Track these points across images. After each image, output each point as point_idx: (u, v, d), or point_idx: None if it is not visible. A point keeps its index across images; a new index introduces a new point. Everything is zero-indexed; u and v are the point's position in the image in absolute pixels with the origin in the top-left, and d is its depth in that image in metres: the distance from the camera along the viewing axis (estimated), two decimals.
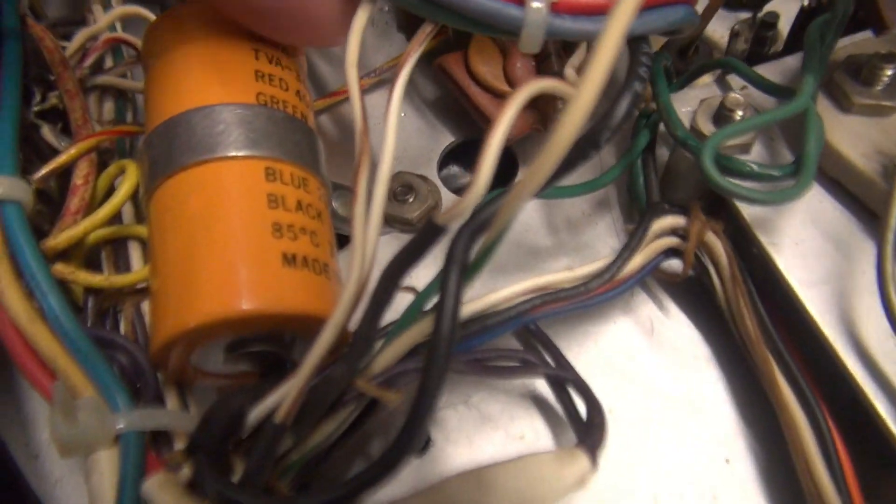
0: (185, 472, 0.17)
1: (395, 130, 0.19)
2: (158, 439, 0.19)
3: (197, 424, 0.16)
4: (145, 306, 0.22)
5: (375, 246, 0.18)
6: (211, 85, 0.21)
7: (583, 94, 0.13)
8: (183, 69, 0.21)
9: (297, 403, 0.16)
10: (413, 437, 0.15)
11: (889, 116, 0.20)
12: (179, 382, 0.20)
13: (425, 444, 0.22)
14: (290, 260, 0.19)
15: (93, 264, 0.22)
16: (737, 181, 0.19)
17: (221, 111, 0.20)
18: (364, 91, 0.30)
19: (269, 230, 0.19)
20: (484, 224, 0.17)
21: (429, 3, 0.18)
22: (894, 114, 0.20)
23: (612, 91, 0.18)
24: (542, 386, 0.22)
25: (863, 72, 0.20)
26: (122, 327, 0.21)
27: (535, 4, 0.18)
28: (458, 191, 0.28)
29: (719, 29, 0.30)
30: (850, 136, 0.20)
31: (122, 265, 0.23)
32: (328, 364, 0.17)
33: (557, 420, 0.22)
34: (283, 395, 0.17)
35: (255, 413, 0.17)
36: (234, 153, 0.20)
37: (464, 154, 0.30)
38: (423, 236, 0.17)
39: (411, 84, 0.30)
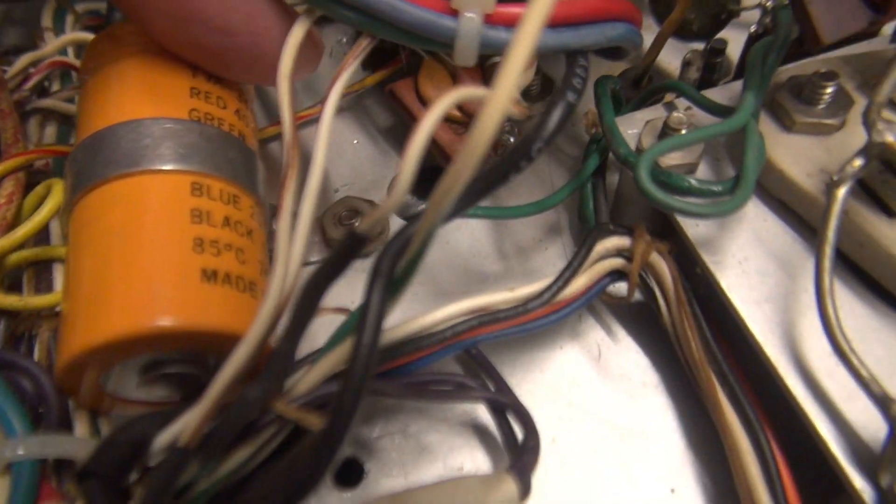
0: None
1: (327, 142, 0.18)
2: (62, 470, 0.17)
3: (93, 449, 0.15)
4: None
5: (300, 261, 0.18)
6: (142, 99, 0.20)
7: (495, 95, 0.13)
8: (116, 84, 0.21)
9: (204, 426, 0.15)
10: (321, 461, 0.14)
11: (831, 135, 0.20)
12: (93, 410, 0.19)
13: (358, 476, 0.20)
14: (209, 276, 0.18)
15: (15, 288, 0.21)
16: (676, 196, 0.18)
17: (150, 125, 0.20)
18: (315, 118, 0.30)
19: (190, 245, 0.18)
20: (409, 240, 0.16)
21: (364, 15, 0.18)
22: (836, 132, 0.20)
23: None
24: (483, 416, 0.21)
25: (804, 91, 0.20)
26: (37, 353, 0.20)
27: (469, 15, 0.17)
28: (409, 219, 0.27)
29: (673, 60, 0.30)
30: (793, 154, 0.20)
31: (44, 288, 0.22)
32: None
33: (498, 451, 0.20)
34: (189, 421, 0.16)
35: (162, 439, 0.16)
36: (159, 166, 0.19)
37: (416, 182, 0.30)
38: (345, 247, 0.16)
39: (365, 111, 0.30)
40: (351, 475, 0.20)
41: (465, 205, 0.17)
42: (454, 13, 0.18)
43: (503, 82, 0.13)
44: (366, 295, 0.16)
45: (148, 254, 0.17)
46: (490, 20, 0.18)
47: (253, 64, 0.20)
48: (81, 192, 0.19)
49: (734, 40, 0.28)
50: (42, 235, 0.23)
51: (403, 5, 0.17)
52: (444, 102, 0.16)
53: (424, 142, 0.15)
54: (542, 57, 0.25)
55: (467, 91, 0.17)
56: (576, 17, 0.18)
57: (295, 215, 0.18)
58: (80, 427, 0.18)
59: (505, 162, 0.17)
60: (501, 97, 0.13)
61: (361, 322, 0.15)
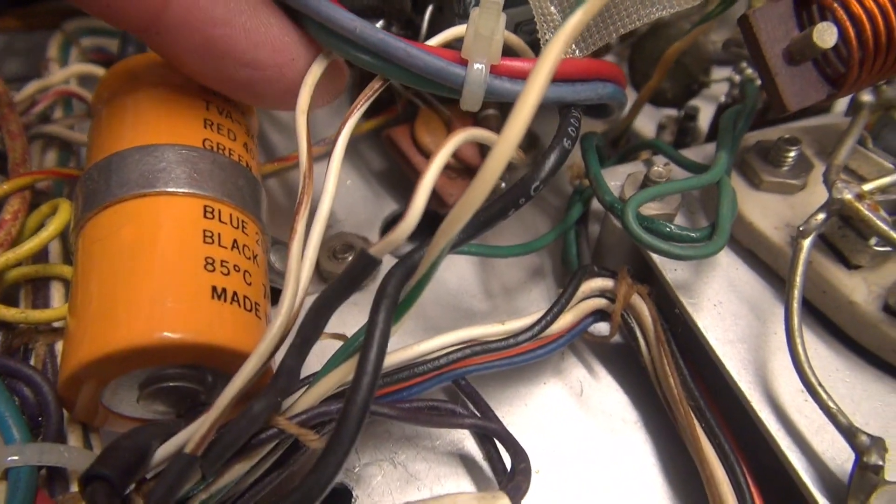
0: None
1: (337, 171, 0.19)
2: (54, 480, 0.17)
3: (99, 455, 0.15)
4: (59, 347, 0.21)
5: (308, 283, 0.18)
6: (158, 126, 0.21)
7: (504, 138, 0.14)
8: (132, 111, 0.22)
9: (211, 435, 0.16)
10: (330, 467, 0.14)
11: (794, 194, 0.22)
12: (87, 423, 0.19)
13: (348, 501, 0.21)
14: (220, 294, 0.18)
15: (9, 303, 0.22)
16: (658, 239, 0.20)
17: (165, 150, 0.21)
18: (318, 157, 0.31)
19: (202, 262, 0.19)
20: (415, 265, 0.17)
21: (381, 60, 0.20)
22: (798, 192, 0.22)
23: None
24: (469, 446, 0.22)
25: (770, 154, 0.22)
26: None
27: (477, 65, 0.19)
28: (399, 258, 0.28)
29: (647, 125, 0.33)
30: (761, 209, 0.22)
31: (41, 305, 0.22)
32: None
33: (485, 480, 0.21)
34: (196, 430, 0.16)
35: (164, 449, 0.16)
36: (173, 189, 0.20)
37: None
38: (355, 267, 0.17)
39: (359, 155, 0.32)
40: (339, 502, 0.21)
41: (469, 236, 0.18)
42: (463, 63, 0.19)
43: (513, 127, 0.14)
44: (372, 314, 0.16)
45: (160, 269, 0.18)
46: (495, 71, 0.19)
47: (281, 93, 0.21)
48: (94, 209, 0.19)
49: (702, 111, 0.30)
50: (40, 254, 0.23)
51: (418, 52, 0.19)
52: (458, 138, 0.17)
53: (438, 171, 0.16)
54: (539, 109, 0.26)
55: (478, 132, 0.18)
56: (572, 74, 0.20)
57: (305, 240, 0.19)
58: (73, 440, 0.18)
59: (506, 199, 0.18)
60: (511, 140, 0.14)
61: (368, 339, 0.16)
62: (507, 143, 0.14)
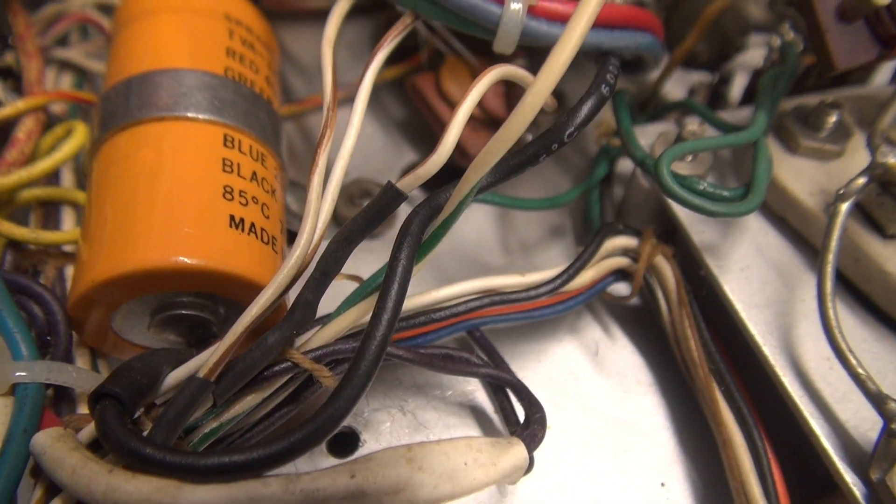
0: (86, 433, 0.15)
1: (365, 106, 0.19)
2: (61, 401, 0.17)
3: (109, 374, 0.15)
4: (69, 272, 0.20)
5: (329, 217, 0.18)
6: (179, 50, 0.21)
7: (547, 69, 0.14)
8: (153, 34, 0.21)
9: (224, 362, 0.15)
10: (346, 400, 0.14)
11: (832, 161, 0.21)
12: (95, 348, 0.19)
13: (353, 446, 0.20)
14: (237, 223, 0.18)
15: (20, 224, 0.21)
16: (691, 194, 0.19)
17: (186, 75, 0.20)
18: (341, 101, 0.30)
19: (220, 191, 0.18)
20: (440, 206, 0.17)
21: None
22: (836, 159, 0.21)
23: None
24: (481, 397, 0.21)
25: (810, 118, 0.22)
26: None
27: (514, 5, 0.18)
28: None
29: (676, 91, 0.32)
30: (796, 174, 0.21)
31: (52, 228, 0.21)
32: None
33: (495, 432, 0.21)
34: (210, 356, 0.15)
35: (175, 375, 0.16)
36: (193, 114, 0.19)
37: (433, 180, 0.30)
38: (381, 200, 0.16)
39: (379, 104, 0.31)
40: (346, 445, 0.20)
41: (498, 179, 0.18)
42: (500, 1, 0.18)
43: (556, 59, 0.14)
44: (394, 251, 0.16)
45: (178, 194, 0.17)
46: (533, 12, 0.19)
47: None
48: (112, 130, 0.19)
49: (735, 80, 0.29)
50: (52, 177, 0.22)
51: None
52: (495, 73, 0.17)
53: (475, 102, 0.16)
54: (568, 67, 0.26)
55: (514, 70, 0.17)
56: (612, 20, 0.19)
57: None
58: (81, 363, 0.18)
59: (538, 143, 0.18)
60: (555, 70, 0.14)
61: (389, 275, 0.16)
62: (550, 74, 0.14)
